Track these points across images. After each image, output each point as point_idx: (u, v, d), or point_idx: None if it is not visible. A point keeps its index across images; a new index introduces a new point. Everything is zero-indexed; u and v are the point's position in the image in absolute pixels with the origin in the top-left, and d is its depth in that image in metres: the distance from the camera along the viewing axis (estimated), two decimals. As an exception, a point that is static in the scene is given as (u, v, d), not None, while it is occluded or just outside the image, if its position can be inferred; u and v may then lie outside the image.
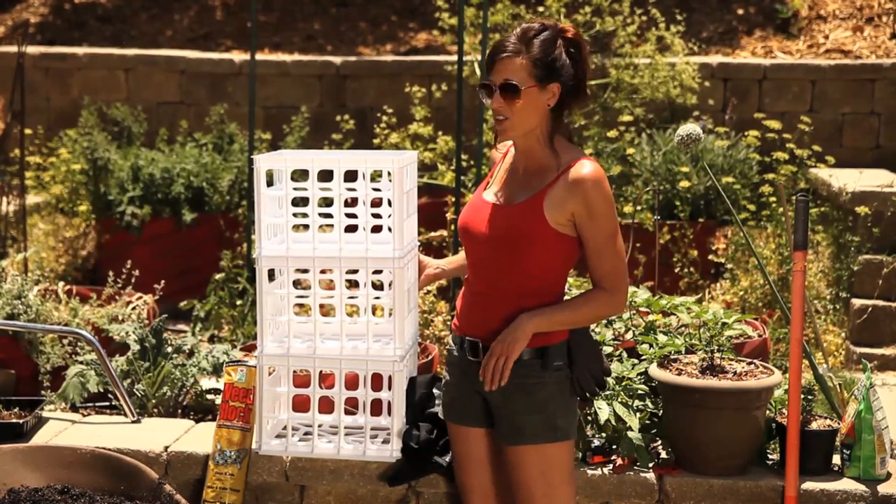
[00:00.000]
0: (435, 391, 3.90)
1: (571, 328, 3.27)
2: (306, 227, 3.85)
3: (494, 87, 3.20)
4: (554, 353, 3.27)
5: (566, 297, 3.33)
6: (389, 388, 3.83)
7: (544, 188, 3.22)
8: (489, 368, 3.23)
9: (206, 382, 4.71)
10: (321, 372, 3.86)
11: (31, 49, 8.99)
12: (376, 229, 3.92)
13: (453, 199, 6.03)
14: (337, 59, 9.03)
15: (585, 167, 3.19)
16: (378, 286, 4.02)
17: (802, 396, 3.76)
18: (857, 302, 6.41)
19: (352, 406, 3.97)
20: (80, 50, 9.34)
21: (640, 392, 3.87)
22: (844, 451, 3.77)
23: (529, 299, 3.25)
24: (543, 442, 3.27)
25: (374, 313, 3.93)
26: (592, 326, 3.76)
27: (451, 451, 3.80)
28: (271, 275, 3.89)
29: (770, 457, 3.89)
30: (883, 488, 3.69)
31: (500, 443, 3.38)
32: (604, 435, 3.81)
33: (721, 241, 7.13)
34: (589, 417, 3.84)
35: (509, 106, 3.19)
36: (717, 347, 3.91)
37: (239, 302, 6.06)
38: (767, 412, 3.83)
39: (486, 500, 3.47)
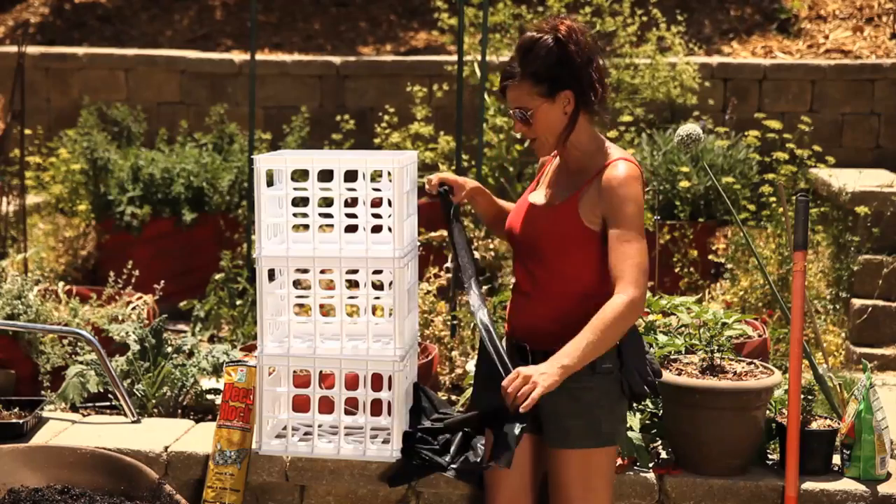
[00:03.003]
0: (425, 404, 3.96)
1: (604, 351, 3.14)
2: (306, 227, 3.85)
3: (513, 115, 3.25)
4: (603, 356, 3.21)
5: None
6: (389, 388, 3.83)
7: (580, 188, 3.24)
8: (510, 388, 3.05)
9: (206, 382, 4.72)
10: (321, 372, 3.86)
11: (32, 49, 8.99)
12: (376, 229, 3.92)
13: (453, 200, 6.03)
14: (337, 59, 9.03)
15: (619, 168, 3.19)
16: (378, 286, 4.02)
17: (802, 396, 3.76)
18: (857, 302, 6.40)
19: (352, 406, 3.98)
20: (80, 50, 9.33)
21: (640, 392, 3.87)
22: (844, 451, 3.77)
23: (573, 300, 3.24)
24: (587, 446, 3.25)
25: (374, 313, 3.93)
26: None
27: (450, 452, 3.81)
28: (271, 275, 3.89)
29: (770, 457, 3.89)
30: (883, 488, 3.70)
31: (545, 444, 3.36)
32: (604, 435, 3.81)
33: (721, 241, 7.13)
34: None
35: (530, 128, 3.23)
36: (717, 347, 3.91)
37: (239, 302, 6.06)
38: (767, 412, 3.83)
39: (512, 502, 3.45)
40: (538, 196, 3.38)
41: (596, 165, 3.25)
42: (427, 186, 3.58)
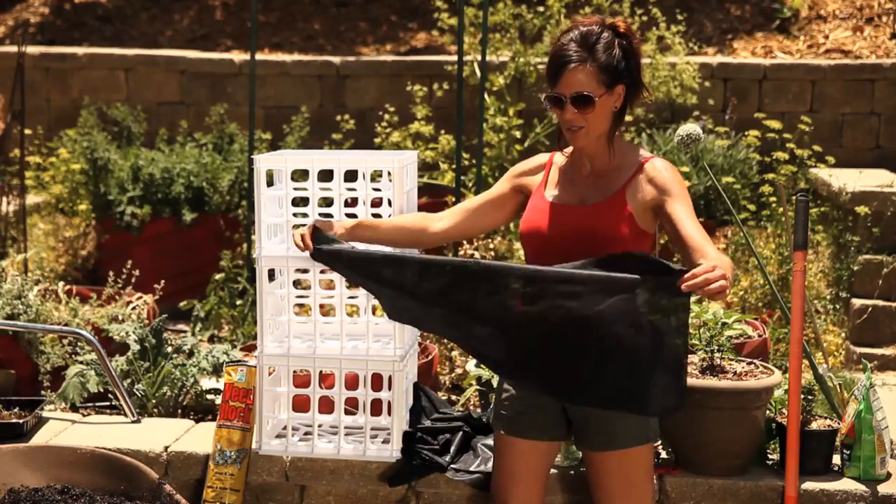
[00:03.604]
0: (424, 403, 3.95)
1: None
2: (306, 227, 3.85)
3: (565, 99, 3.19)
4: None
5: None
6: (389, 388, 3.83)
7: (622, 186, 3.25)
8: (707, 276, 2.88)
9: (206, 382, 4.72)
10: (321, 372, 3.87)
11: (32, 49, 8.99)
12: (376, 229, 3.91)
13: (453, 199, 6.03)
14: (337, 59, 9.03)
15: (661, 162, 3.28)
16: (378, 286, 4.01)
17: (802, 396, 3.76)
18: (857, 302, 6.40)
19: (352, 406, 3.98)
20: (80, 50, 9.33)
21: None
22: (844, 451, 3.77)
23: None
24: (633, 445, 3.26)
25: (373, 313, 3.93)
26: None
27: (450, 452, 3.81)
28: (271, 275, 3.89)
29: (770, 457, 3.89)
30: (883, 488, 3.70)
31: (585, 450, 3.36)
32: (604, 435, 3.81)
33: (721, 241, 7.13)
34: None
35: (583, 115, 3.19)
36: (717, 347, 3.91)
37: (239, 302, 6.06)
38: (767, 412, 3.83)
39: None
40: (557, 196, 3.33)
41: (632, 163, 3.28)
42: (303, 246, 3.38)
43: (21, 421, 4.09)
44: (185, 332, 5.95)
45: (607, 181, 3.29)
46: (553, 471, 3.73)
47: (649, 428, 3.30)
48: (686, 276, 2.92)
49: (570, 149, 3.38)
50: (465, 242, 5.79)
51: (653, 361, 3.02)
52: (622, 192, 3.25)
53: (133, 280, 5.74)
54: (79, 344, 4.87)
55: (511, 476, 3.39)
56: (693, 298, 4.31)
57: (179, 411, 4.59)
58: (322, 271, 3.86)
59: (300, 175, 4.08)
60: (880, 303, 6.37)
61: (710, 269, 2.90)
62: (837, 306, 6.49)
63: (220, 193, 7.60)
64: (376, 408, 3.96)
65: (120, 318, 5.17)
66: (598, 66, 3.17)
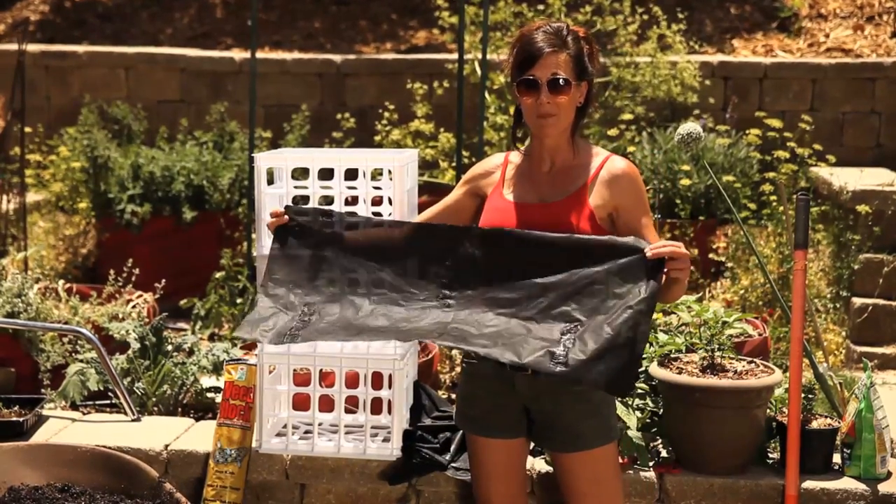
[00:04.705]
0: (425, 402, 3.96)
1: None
2: (307, 225, 3.84)
3: (541, 82, 3.20)
4: None
5: None
6: (389, 387, 3.83)
7: (584, 185, 3.25)
8: (665, 248, 3.08)
9: (207, 381, 4.71)
10: (321, 370, 3.86)
11: (32, 47, 8.98)
12: (377, 228, 3.91)
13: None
14: (337, 58, 9.03)
15: (619, 163, 3.27)
16: (378, 285, 4.01)
17: (803, 395, 3.77)
18: (858, 301, 6.40)
19: (352, 405, 3.98)
20: (80, 48, 9.33)
21: (640, 391, 3.88)
22: (845, 450, 3.77)
23: None
24: (599, 445, 3.28)
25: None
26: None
27: (450, 451, 3.81)
28: (271, 273, 3.88)
29: (770, 456, 3.89)
30: (883, 487, 3.70)
31: (551, 451, 3.38)
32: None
33: (721, 240, 7.13)
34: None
35: (557, 102, 3.21)
36: (717, 346, 3.91)
37: (239, 300, 6.06)
38: (768, 411, 3.83)
39: None
40: (516, 195, 3.32)
41: (592, 161, 3.28)
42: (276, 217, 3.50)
43: (21, 419, 4.09)
44: (185, 330, 5.95)
45: (568, 179, 3.28)
46: (551, 469, 3.73)
47: (611, 426, 3.32)
48: (649, 250, 3.08)
49: (527, 144, 3.38)
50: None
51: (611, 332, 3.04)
52: (583, 190, 3.25)
53: (133, 278, 5.74)
54: (79, 342, 4.87)
55: (488, 475, 3.42)
56: (693, 297, 4.32)
57: (179, 410, 4.59)
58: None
59: (300, 173, 4.08)
60: (881, 302, 6.37)
61: (666, 242, 3.09)
62: (838, 305, 6.49)
63: (220, 192, 7.60)
64: (376, 406, 3.96)
65: (120, 316, 5.17)
66: (571, 56, 3.22)
